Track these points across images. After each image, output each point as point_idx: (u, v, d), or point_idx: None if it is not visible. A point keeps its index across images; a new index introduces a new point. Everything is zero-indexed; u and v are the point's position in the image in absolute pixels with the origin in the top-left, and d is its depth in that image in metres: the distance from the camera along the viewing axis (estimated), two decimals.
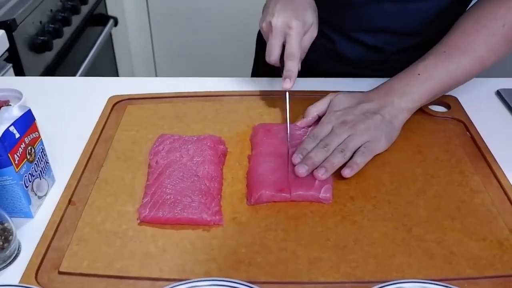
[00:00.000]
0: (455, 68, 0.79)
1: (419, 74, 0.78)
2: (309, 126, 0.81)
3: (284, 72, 0.78)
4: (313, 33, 0.83)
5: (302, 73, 0.94)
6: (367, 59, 0.97)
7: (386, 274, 0.58)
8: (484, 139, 0.79)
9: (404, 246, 0.62)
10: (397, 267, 0.59)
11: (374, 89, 0.81)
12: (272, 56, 0.80)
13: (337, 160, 0.70)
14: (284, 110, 0.79)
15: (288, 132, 0.76)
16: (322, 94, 0.84)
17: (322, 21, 0.94)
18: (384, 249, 0.61)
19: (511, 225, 0.65)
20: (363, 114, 0.75)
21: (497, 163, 0.74)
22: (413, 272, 0.59)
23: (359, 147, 0.72)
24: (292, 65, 0.78)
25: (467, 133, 0.82)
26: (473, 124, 0.83)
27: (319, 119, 0.79)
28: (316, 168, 0.70)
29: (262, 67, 1.07)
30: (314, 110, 0.80)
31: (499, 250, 0.61)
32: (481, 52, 0.79)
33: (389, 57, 0.96)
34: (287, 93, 0.78)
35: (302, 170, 0.69)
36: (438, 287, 0.54)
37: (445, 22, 0.84)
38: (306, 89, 0.91)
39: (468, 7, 0.87)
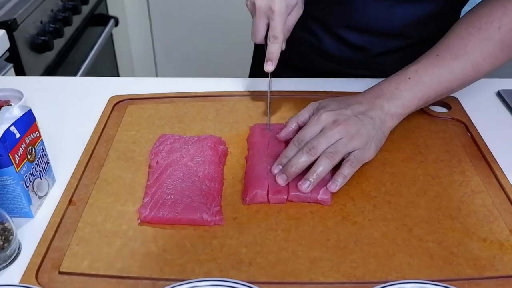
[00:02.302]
0: (447, 72, 0.76)
1: (409, 78, 0.75)
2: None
3: (267, 54, 0.78)
4: (298, 11, 0.81)
5: (288, 68, 0.94)
6: (352, 58, 0.96)
7: (386, 274, 0.58)
8: (484, 139, 0.79)
9: (404, 246, 0.62)
10: (397, 267, 0.59)
11: (363, 92, 0.78)
12: (257, 37, 0.80)
13: (324, 168, 0.67)
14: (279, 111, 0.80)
15: (268, 114, 0.80)
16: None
17: (308, 16, 0.93)
18: (384, 249, 0.61)
19: (511, 226, 0.65)
20: (355, 116, 0.72)
21: (498, 163, 0.74)
22: (413, 272, 0.59)
23: (348, 155, 0.69)
24: (275, 48, 0.77)
25: (468, 133, 0.82)
26: (474, 125, 0.83)
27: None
28: (300, 180, 0.67)
29: (261, 66, 1.08)
30: (294, 120, 0.75)
31: (500, 250, 0.61)
32: (475, 56, 0.75)
33: (373, 58, 0.95)
34: (270, 75, 0.79)
35: (280, 181, 0.68)
36: None
37: (432, 27, 0.82)
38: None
39: (463, 13, 0.86)
